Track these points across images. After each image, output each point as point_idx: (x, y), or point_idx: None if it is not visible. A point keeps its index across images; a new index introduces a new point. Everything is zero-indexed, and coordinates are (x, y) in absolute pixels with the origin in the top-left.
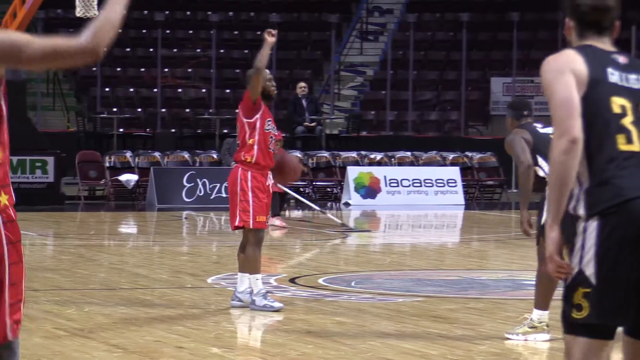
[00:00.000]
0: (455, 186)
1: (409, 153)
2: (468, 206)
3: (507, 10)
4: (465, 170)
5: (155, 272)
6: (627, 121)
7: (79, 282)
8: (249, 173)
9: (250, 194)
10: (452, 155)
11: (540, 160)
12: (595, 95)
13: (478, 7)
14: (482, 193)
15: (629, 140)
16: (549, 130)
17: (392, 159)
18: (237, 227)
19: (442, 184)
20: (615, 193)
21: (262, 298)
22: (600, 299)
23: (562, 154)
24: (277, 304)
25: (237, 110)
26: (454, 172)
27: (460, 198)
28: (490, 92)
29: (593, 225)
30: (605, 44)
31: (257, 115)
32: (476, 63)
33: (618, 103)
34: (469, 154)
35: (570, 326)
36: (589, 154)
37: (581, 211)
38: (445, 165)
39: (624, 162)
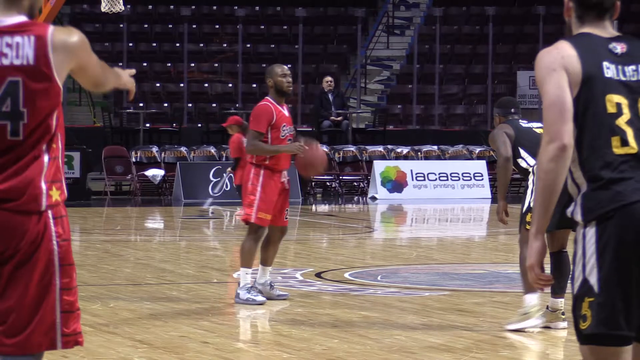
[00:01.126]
0: (482, 180)
1: (435, 147)
2: (495, 200)
3: (533, 4)
4: (492, 164)
5: (181, 267)
6: (623, 121)
7: (105, 278)
8: (262, 170)
9: (259, 189)
10: (479, 149)
11: (522, 152)
12: (589, 95)
13: (504, 0)
14: (508, 186)
15: (625, 143)
16: (532, 124)
17: (419, 153)
18: (244, 222)
19: (468, 178)
20: (612, 198)
21: (245, 292)
22: (601, 308)
23: (550, 161)
24: (260, 298)
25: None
26: (481, 166)
27: (487, 192)
28: (517, 86)
29: (591, 232)
30: (604, 29)
31: (268, 129)
32: (502, 56)
33: (613, 101)
34: None
35: (580, 337)
36: (584, 158)
37: (579, 217)
38: (471, 159)
39: (620, 166)
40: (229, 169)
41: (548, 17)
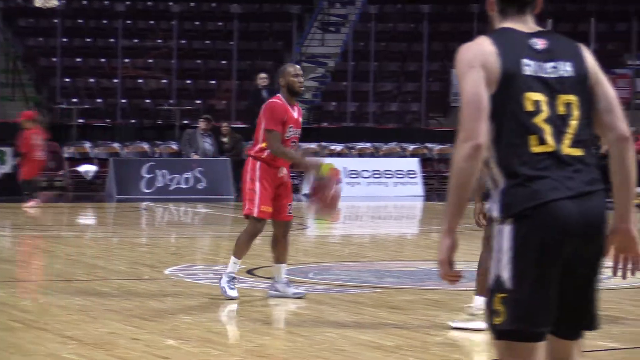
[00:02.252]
0: (415, 177)
1: (369, 144)
2: (427, 197)
3: (468, 2)
4: (425, 162)
5: (112, 263)
6: (541, 119)
7: (35, 274)
8: (258, 163)
9: (257, 183)
10: (412, 147)
11: None
12: (507, 93)
13: None
14: (441, 184)
15: (542, 141)
16: None
17: (353, 150)
18: (245, 216)
19: (401, 175)
20: (529, 196)
21: (227, 280)
22: (516, 305)
23: (464, 160)
24: (233, 293)
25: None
26: (414, 164)
27: (419, 189)
28: (451, 84)
29: (508, 228)
30: (525, 23)
31: None
32: (437, 54)
33: (532, 99)
34: (429, 145)
35: (494, 332)
36: (502, 155)
37: (496, 213)
38: (405, 156)
39: (537, 164)
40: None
41: (482, 15)
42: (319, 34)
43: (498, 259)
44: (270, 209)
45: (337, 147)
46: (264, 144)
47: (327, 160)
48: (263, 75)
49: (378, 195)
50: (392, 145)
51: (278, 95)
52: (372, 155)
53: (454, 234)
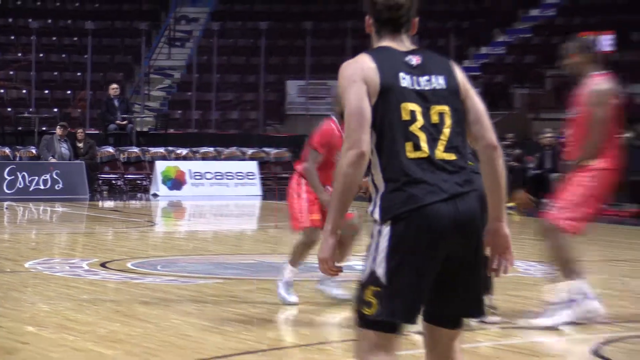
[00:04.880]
0: (254, 179)
1: (212, 148)
2: (265, 197)
3: (303, 20)
4: (263, 164)
5: None
6: (416, 127)
7: None
8: (303, 180)
9: (304, 195)
10: (251, 151)
11: None
12: (386, 103)
13: (276, 16)
14: (278, 185)
15: (417, 147)
16: None
17: (197, 154)
18: (298, 230)
19: (241, 177)
20: (406, 200)
21: (283, 288)
22: (388, 299)
23: (349, 166)
24: (292, 299)
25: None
26: (253, 166)
27: (258, 189)
28: (286, 94)
29: (386, 230)
30: (401, 42)
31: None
32: (274, 67)
33: (408, 109)
34: (266, 149)
35: (360, 320)
36: (383, 161)
37: (376, 215)
38: (244, 159)
39: (414, 170)
40: None
41: (315, 32)
42: (165, 48)
43: (374, 257)
44: (319, 217)
45: (183, 151)
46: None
47: (173, 163)
48: (114, 85)
49: (220, 195)
50: (233, 149)
51: (332, 118)
52: (214, 158)
53: (337, 234)
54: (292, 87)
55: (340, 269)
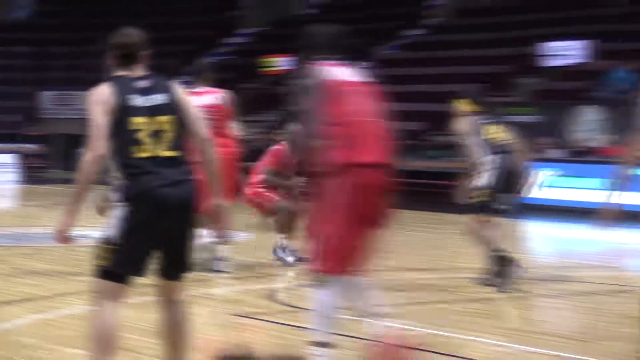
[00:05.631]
0: (14, 168)
1: None
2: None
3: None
4: (24, 157)
5: None
6: (142, 135)
7: None
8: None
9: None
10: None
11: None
12: (120, 118)
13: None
14: (32, 173)
15: (144, 149)
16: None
17: None
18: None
19: (5, 166)
20: (137, 186)
21: (284, 252)
22: (120, 256)
23: (89, 164)
24: (290, 259)
25: None
26: (14, 158)
27: (17, 177)
28: (41, 103)
29: (123, 208)
30: (135, 71)
31: None
32: (29, 80)
33: (135, 121)
34: (26, 145)
35: (98, 272)
36: (118, 160)
37: (118, 197)
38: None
39: (142, 165)
40: None
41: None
42: None
43: (114, 225)
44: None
45: None
46: None
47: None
48: None
49: None
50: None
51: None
52: None
53: (73, 214)
54: (47, 97)
55: (73, 239)
